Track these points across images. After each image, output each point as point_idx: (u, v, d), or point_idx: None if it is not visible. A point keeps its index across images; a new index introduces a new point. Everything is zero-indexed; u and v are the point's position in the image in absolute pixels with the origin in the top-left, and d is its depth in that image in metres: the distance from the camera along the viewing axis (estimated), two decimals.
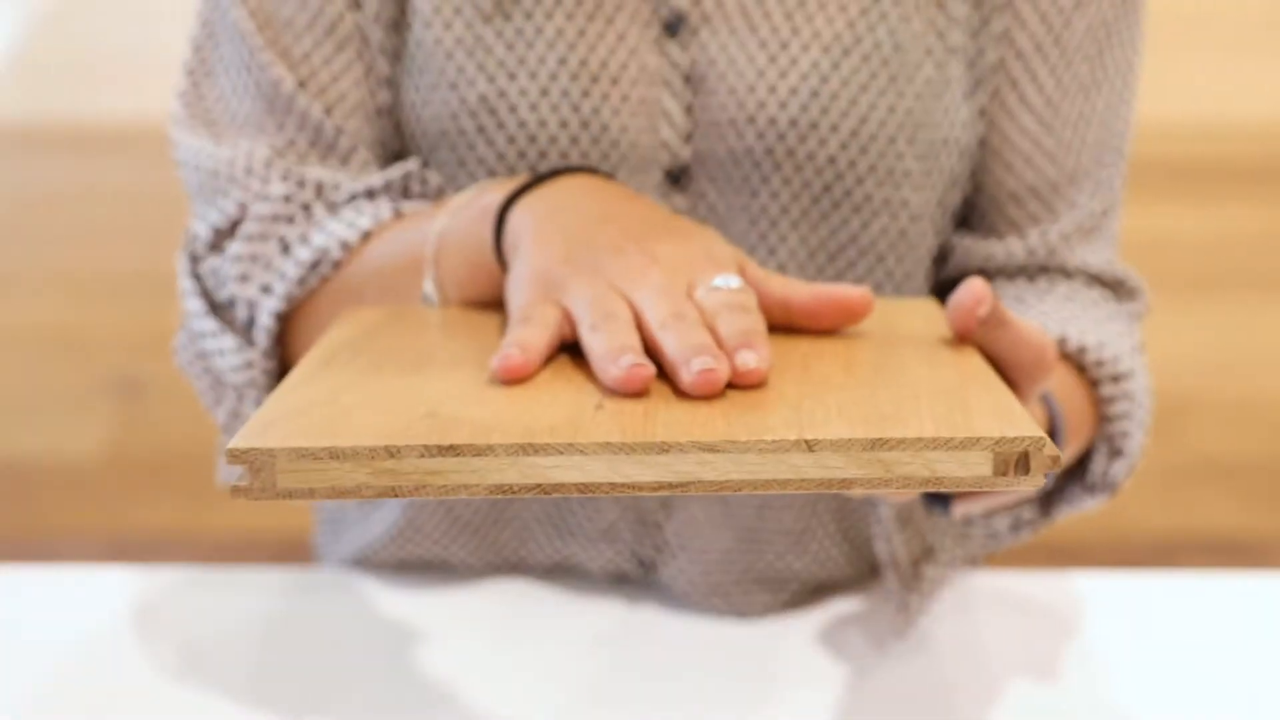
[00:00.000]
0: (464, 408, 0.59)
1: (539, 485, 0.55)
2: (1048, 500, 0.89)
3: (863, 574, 0.97)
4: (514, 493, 0.55)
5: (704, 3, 0.84)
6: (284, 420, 0.58)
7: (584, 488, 0.55)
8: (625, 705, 0.85)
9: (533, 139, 0.84)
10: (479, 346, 0.68)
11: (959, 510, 0.79)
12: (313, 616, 0.93)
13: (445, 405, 0.59)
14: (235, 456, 0.55)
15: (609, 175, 0.78)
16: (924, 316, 0.74)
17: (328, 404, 0.60)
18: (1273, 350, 2.69)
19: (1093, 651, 0.90)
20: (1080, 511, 0.88)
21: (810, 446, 0.55)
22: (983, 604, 0.95)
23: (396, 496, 0.56)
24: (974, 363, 0.65)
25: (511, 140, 0.84)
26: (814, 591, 0.96)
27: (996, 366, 0.68)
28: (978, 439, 0.55)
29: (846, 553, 0.96)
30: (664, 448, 0.55)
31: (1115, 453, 0.86)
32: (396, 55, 0.87)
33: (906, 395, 0.60)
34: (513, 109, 0.84)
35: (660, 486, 0.55)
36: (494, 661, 0.89)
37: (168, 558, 2.00)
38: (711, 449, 0.55)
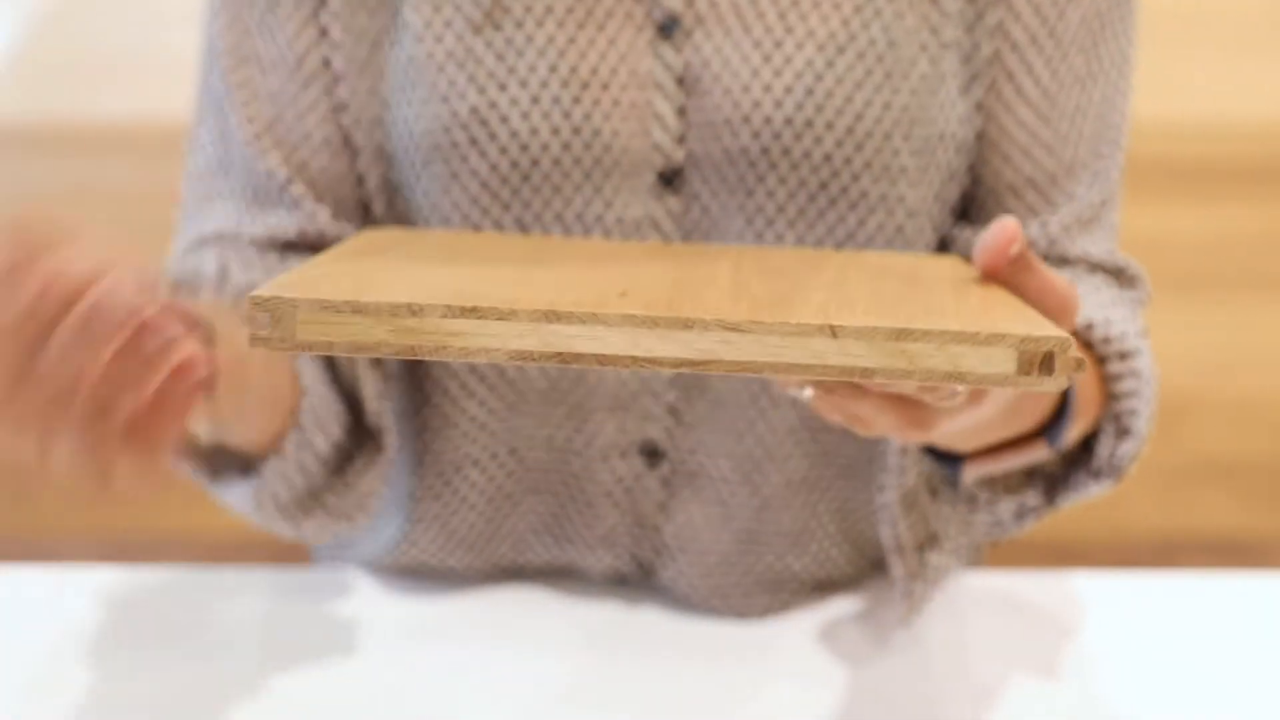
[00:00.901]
0: (490, 286, 0.59)
1: (559, 354, 0.55)
2: (1053, 487, 0.89)
3: (863, 573, 0.97)
4: (534, 360, 0.55)
5: (698, 4, 0.84)
6: (308, 281, 0.58)
7: (603, 359, 0.55)
8: (625, 705, 0.85)
9: (524, 148, 0.84)
10: (499, 254, 0.69)
11: (969, 472, 0.79)
12: (312, 616, 0.93)
13: (469, 284, 0.60)
14: (258, 304, 0.55)
15: None
16: (950, 266, 0.74)
17: (352, 275, 0.61)
18: (1273, 350, 2.69)
19: (1092, 652, 0.90)
20: (1086, 498, 0.88)
21: (834, 332, 0.55)
22: (982, 604, 0.95)
23: (415, 356, 0.56)
24: (1000, 293, 0.65)
25: (504, 151, 0.84)
26: (814, 591, 0.96)
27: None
28: (1003, 335, 0.55)
29: (847, 553, 0.96)
30: (688, 323, 0.55)
31: (1123, 432, 0.86)
32: (380, 73, 0.87)
33: (934, 305, 0.60)
34: (504, 119, 0.84)
35: (681, 363, 0.55)
36: (493, 662, 0.89)
37: (168, 558, 1.99)
38: (735, 328, 0.55)
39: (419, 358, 0.56)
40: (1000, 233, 0.66)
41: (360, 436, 0.89)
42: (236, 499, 0.85)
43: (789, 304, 0.59)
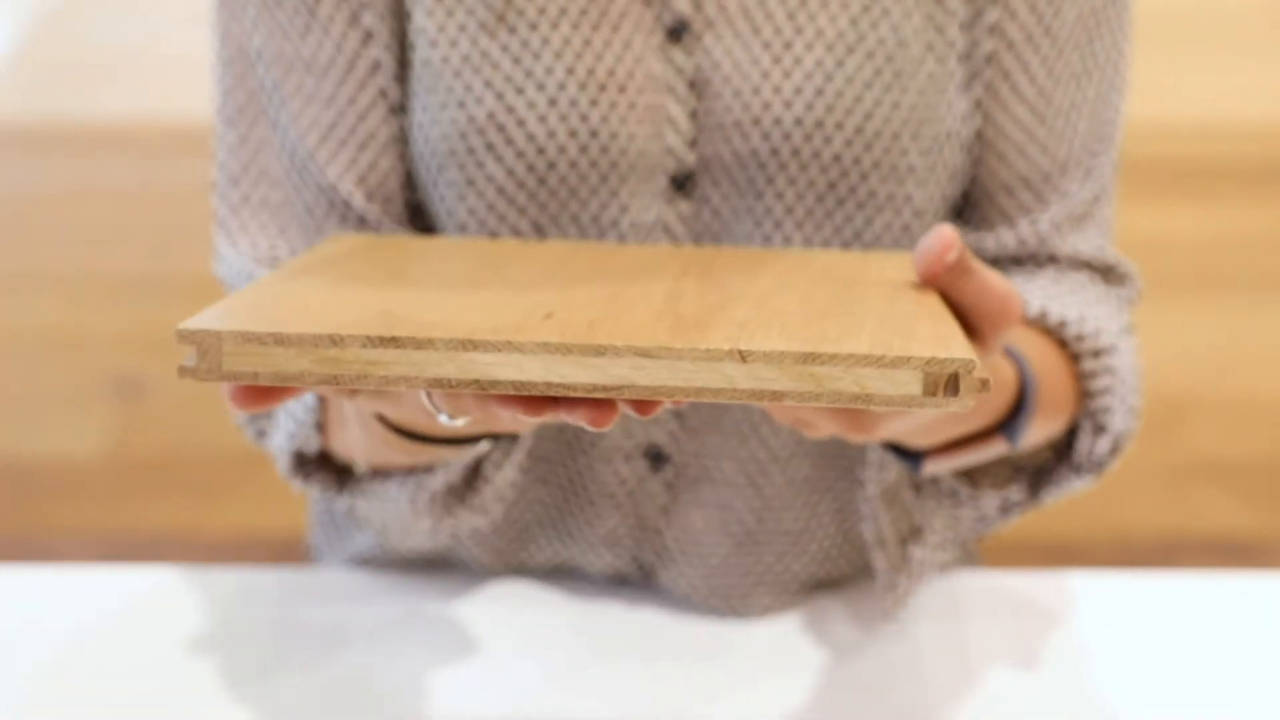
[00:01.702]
0: (416, 311, 0.60)
1: (476, 381, 0.57)
2: (1037, 482, 0.89)
3: (862, 573, 0.97)
4: (451, 387, 0.57)
5: (706, 7, 0.84)
6: (239, 310, 0.60)
7: (520, 386, 0.57)
8: (623, 703, 0.85)
9: (541, 151, 0.83)
10: (450, 269, 0.70)
11: (928, 468, 0.79)
12: (313, 616, 0.93)
13: (399, 308, 0.61)
14: (184, 337, 0.57)
15: None
16: (897, 266, 0.75)
17: (285, 300, 0.62)
18: (1273, 350, 2.69)
19: (1092, 651, 0.90)
20: (1069, 493, 0.88)
21: (743, 357, 0.56)
22: (982, 604, 0.95)
23: (337, 385, 0.57)
24: (931, 301, 0.67)
25: (520, 155, 0.83)
26: (813, 591, 0.96)
27: (962, 314, 0.69)
28: (908, 358, 0.56)
29: (846, 553, 0.96)
30: (600, 350, 0.56)
31: (1099, 429, 0.86)
32: (401, 78, 0.86)
33: (853, 323, 0.61)
34: (521, 123, 0.83)
35: (594, 389, 0.56)
36: (493, 662, 0.89)
37: (167, 558, 2.00)
38: (645, 354, 0.56)
39: (341, 387, 0.57)
40: (937, 240, 0.67)
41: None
42: (386, 494, 0.85)
43: (708, 323, 0.60)
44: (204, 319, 0.58)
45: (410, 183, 0.88)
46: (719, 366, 0.56)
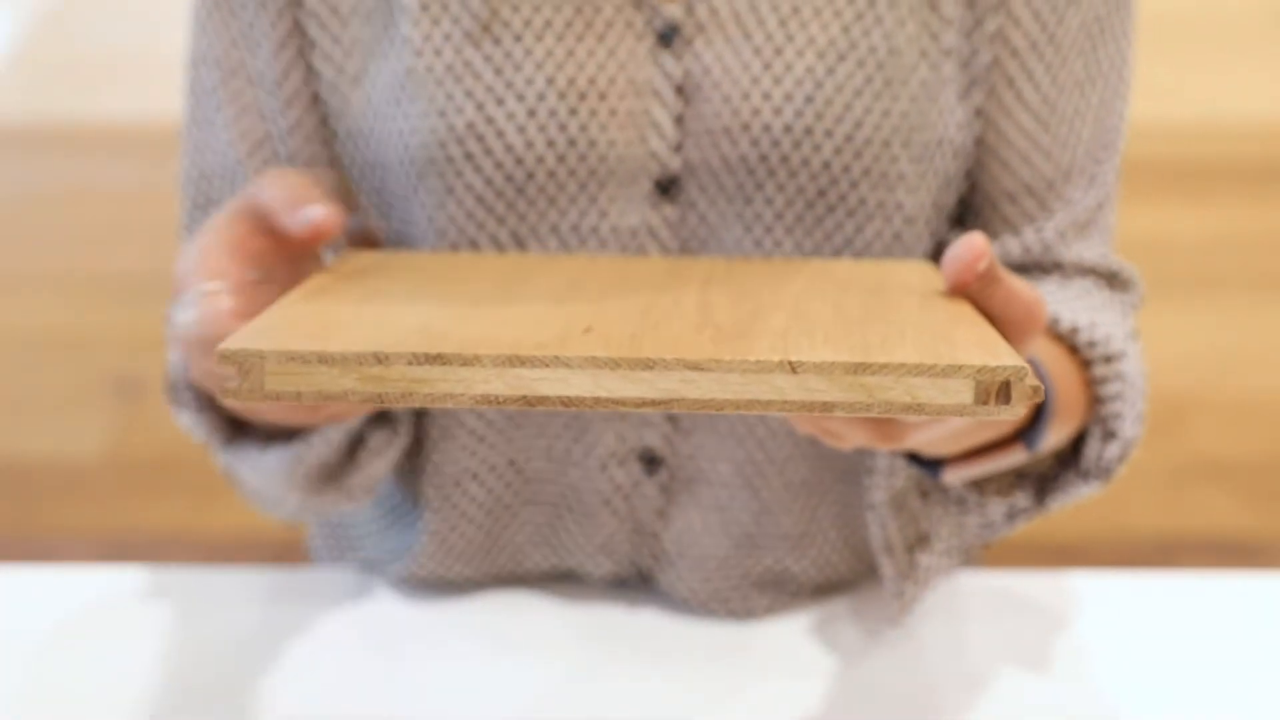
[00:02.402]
0: (454, 326, 0.60)
1: (524, 397, 0.56)
2: (1043, 488, 0.89)
3: (861, 577, 0.97)
4: (500, 404, 0.56)
5: (698, 12, 0.84)
6: (276, 329, 0.59)
7: (568, 401, 0.56)
8: (622, 707, 0.85)
9: (519, 161, 0.84)
10: (469, 285, 0.70)
11: (948, 476, 0.79)
12: (312, 617, 0.93)
13: (435, 324, 0.60)
14: (226, 358, 0.56)
15: None
16: (919, 274, 0.75)
17: (320, 318, 0.61)
18: (1273, 350, 2.69)
19: (1092, 651, 0.90)
20: (1076, 500, 0.88)
21: (794, 368, 0.56)
22: (982, 604, 0.95)
23: (382, 404, 0.57)
24: (964, 309, 0.66)
25: (499, 165, 0.84)
26: (813, 594, 0.96)
27: (989, 322, 0.68)
28: (960, 366, 0.56)
29: (846, 557, 0.96)
30: (649, 364, 0.56)
31: (1109, 435, 0.86)
32: (372, 85, 0.87)
33: (893, 331, 0.61)
34: (500, 134, 0.83)
35: (644, 403, 0.56)
36: (492, 664, 0.89)
37: (167, 558, 2.00)
38: (696, 367, 0.56)
39: (386, 405, 0.57)
40: (968, 249, 0.67)
41: (375, 420, 0.89)
42: (263, 464, 0.85)
43: (750, 333, 0.60)
44: (243, 337, 0.57)
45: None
46: (769, 379, 0.56)
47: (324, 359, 0.56)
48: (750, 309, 0.64)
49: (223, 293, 0.69)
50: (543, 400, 0.56)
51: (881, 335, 0.60)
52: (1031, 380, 0.56)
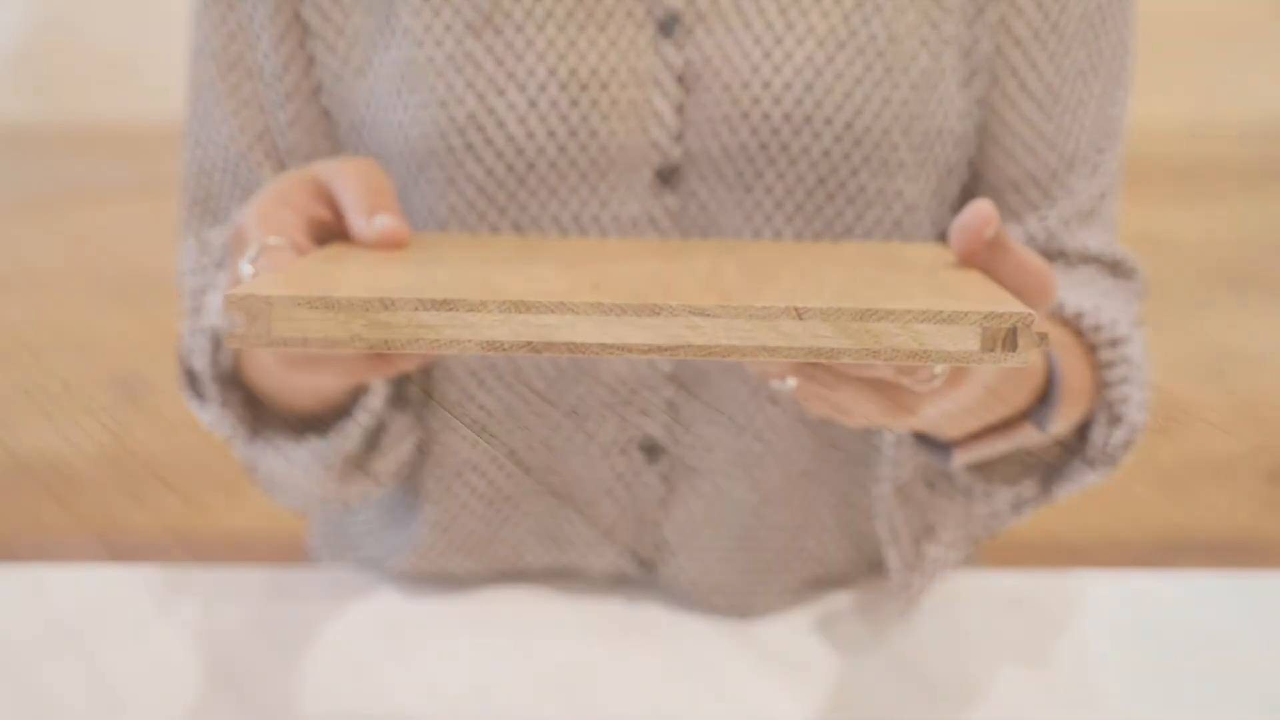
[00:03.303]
0: (463, 282, 0.61)
1: (530, 343, 0.56)
2: (1049, 477, 0.89)
3: (861, 571, 0.97)
4: (505, 350, 0.56)
5: (698, 1, 0.84)
6: (283, 281, 0.59)
7: (574, 348, 0.56)
8: (623, 700, 0.85)
9: (520, 152, 0.84)
10: (485, 254, 0.70)
11: (959, 458, 0.79)
12: (312, 616, 0.93)
13: (444, 279, 0.61)
14: (232, 303, 0.56)
15: None
16: (930, 251, 0.75)
17: (329, 276, 0.62)
18: (1273, 350, 2.69)
19: (1092, 651, 0.90)
20: (1083, 488, 0.88)
21: (800, 314, 0.56)
22: (982, 603, 0.95)
23: (388, 350, 0.57)
24: (974, 275, 0.66)
25: (500, 155, 0.84)
26: (814, 587, 0.96)
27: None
28: (966, 313, 0.56)
29: (846, 550, 0.96)
30: (655, 309, 0.56)
31: (1115, 420, 0.86)
32: (373, 76, 0.87)
33: (902, 290, 0.61)
34: (501, 124, 0.84)
35: (650, 349, 0.56)
36: (493, 660, 0.89)
37: (167, 558, 2.00)
38: (702, 312, 0.56)
39: (392, 351, 0.57)
40: (976, 216, 0.67)
41: (394, 405, 0.89)
42: (297, 456, 0.85)
43: (758, 291, 0.60)
44: (251, 286, 0.57)
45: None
46: (775, 324, 0.56)
47: (330, 304, 0.56)
48: (760, 277, 0.65)
49: (286, 248, 0.69)
50: (549, 346, 0.56)
51: (890, 292, 0.60)
52: (1039, 327, 0.56)
